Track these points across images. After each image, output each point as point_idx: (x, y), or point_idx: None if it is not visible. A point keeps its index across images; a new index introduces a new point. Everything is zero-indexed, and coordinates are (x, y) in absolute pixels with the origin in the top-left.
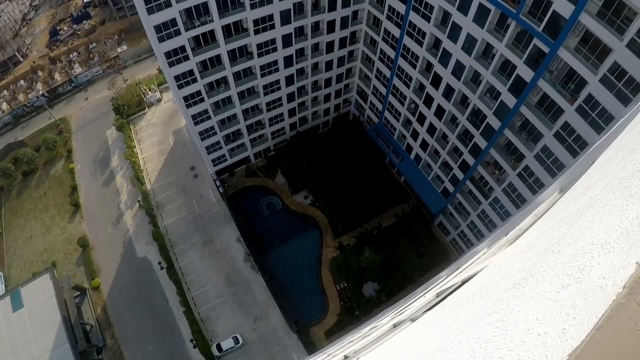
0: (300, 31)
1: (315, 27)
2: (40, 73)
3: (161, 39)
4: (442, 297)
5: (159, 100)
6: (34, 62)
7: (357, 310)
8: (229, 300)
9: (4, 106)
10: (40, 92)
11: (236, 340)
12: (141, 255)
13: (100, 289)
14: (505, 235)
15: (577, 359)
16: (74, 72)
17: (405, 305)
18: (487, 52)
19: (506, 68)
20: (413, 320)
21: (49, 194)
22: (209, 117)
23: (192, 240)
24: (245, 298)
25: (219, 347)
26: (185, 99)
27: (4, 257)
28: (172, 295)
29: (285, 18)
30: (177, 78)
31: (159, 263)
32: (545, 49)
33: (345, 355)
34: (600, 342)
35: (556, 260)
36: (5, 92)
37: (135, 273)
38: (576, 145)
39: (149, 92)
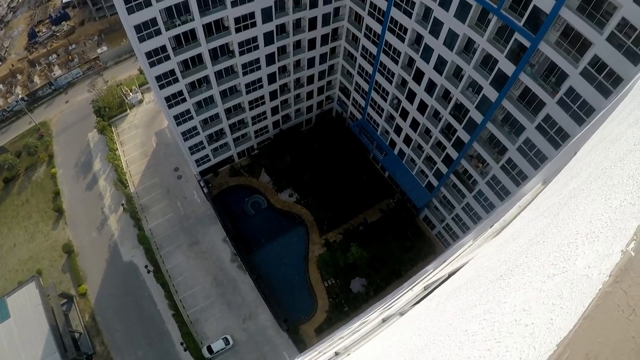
0: (281, 29)
1: (297, 24)
2: (19, 76)
3: (141, 39)
4: (429, 290)
5: (141, 102)
6: (12, 65)
7: (346, 307)
8: (217, 301)
9: None
10: (20, 96)
11: (226, 341)
12: (127, 259)
13: (87, 295)
14: (490, 227)
15: (566, 349)
16: (54, 74)
17: (393, 300)
18: (469, 47)
19: (488, 62)
20: (402, 314)
21: (32, 200)
22: (191, 117)
23: (178, 242)
24: (234, 298)
25: (209, 349)
26: (167, 99)
27: None
28: (160, 298)
29: (267, 15)
30: (158, 78)
31: (146, 266)
32: (527, 43)
33: (336, 352)
34: (588, 331)
35: (541, 251)
36: None
37: (122, 277)
38: (558, 138)
39: (130, 94)
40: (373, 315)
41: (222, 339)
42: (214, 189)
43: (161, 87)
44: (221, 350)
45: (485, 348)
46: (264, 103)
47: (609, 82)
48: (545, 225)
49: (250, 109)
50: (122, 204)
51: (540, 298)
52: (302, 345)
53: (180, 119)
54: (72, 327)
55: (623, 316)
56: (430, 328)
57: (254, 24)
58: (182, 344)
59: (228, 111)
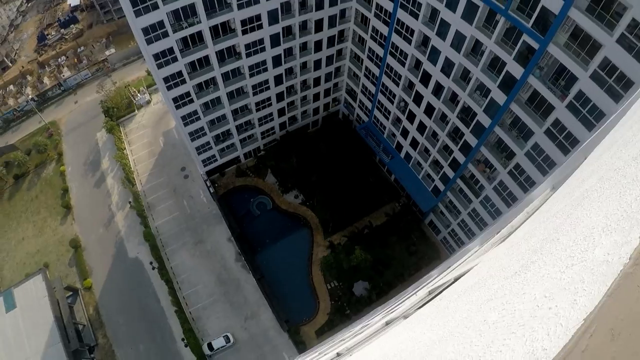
0: (288, 30)
1: (303, 26)
2: (29, 77)
3: (149, 41)
4: (435, 294)
5: (149, 102)
6: (22, 67)
7: (348, 309)
8: (220, 299)
9: None
10: (30, 96)
11: (227, 339)
12: (132, 255)
13: (92, 289)
14: (497, 233)
15: (592, 323)
16: (63, 75)
17: (396, 304)
18: (477, 49)
19: (496, 65)
20: (406, 317)
21: (41, 197)
22: (198, 118)
23: (183, 240)
24: (236, 297)
25: (210, 346)
26: (175, 100)
27: None
28: (163, 294)
29: (273, 17)
30: (166, 80)
31: (151, 263)
32: (535, 45)
33: (337, 353)
34: (611, 308)
35: (556, 247)
36: None
37: (127, 273)
38: (567, 143)
39: (138, 94)
40: (376, 319)
41: (223, 336)
42: (220, 189)
43: (169, 88)
44: (221, 348)
45: (509, 332)
46: (270, 105)
47: (619, 86)
48: (558, 225)
49: (257, 110)
50: (129, 202)
51: (560, 285)
52: (302, 347)
53: (187, 119)
54: (76, 320)
55: None
56: (444, 324)
57: (260, 26)
58: (183, 339)
59: (235, 112)
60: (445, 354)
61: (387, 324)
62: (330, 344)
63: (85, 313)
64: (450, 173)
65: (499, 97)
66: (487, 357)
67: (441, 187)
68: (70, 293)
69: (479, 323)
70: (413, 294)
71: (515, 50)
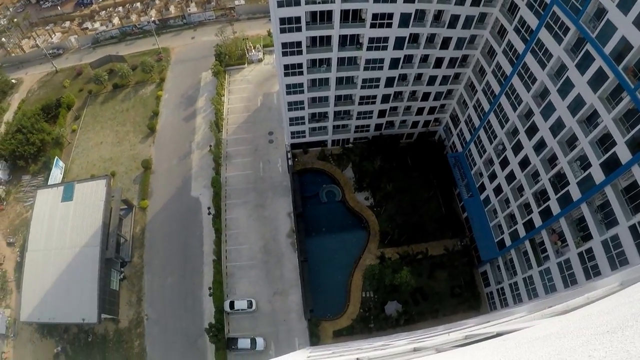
0: (414, 38)
1: (430, 39)
2: (157, 1)
3: (280, 4)
4: (473, 340)
5: (260, 61)
6: None
7: (373, 324)
8: (258, 266)
9: (116, 21)
10: (153, 18)
11: (250, 304)
12: (195, 195)
13: (146, 211)
14: (550, 307)
15: None
16: (189, 10)
17: (426, 336)
18: (592, 119)
19: (605, 142)
20: (439, 351)
21: (131, 111)
22: (302, 91)
23: (246, 199)
24: (274, 270)
25: (232, 304)
26: (286, 67)
27: (70, 151)
28: (208, 241)
29: (404, 21)
30: (284, 45)
31: (208, 208)
32: None
33: (357, 358)
34: None
35: None
36: (120, 8)
37: (183, 209)
38: None
39: (253, 50)
40: (400, 342)
41: (247, 300)
42: (297, 164)
43: (284, 54)
44: (242, 310)
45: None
46: (374, 102)
47: None
48: None
49: (359, 103)
50: (210, 146)
51: None
52: (315, 340)
53: (291, 89)
54: (121, 232)
55: None
56: (527, 355)
57: (389, 25)
58: (209, 288)
59: (338, 98)
60: None
61: (415, 350)
62: (347, 349)
63: (132, 230)
64: (522, 232)
65: (598, 175)
66: None
67: (508, 242)
68: (125, 207)
69: (583, 356)
70: (444, 333)
71: (630, 134)
